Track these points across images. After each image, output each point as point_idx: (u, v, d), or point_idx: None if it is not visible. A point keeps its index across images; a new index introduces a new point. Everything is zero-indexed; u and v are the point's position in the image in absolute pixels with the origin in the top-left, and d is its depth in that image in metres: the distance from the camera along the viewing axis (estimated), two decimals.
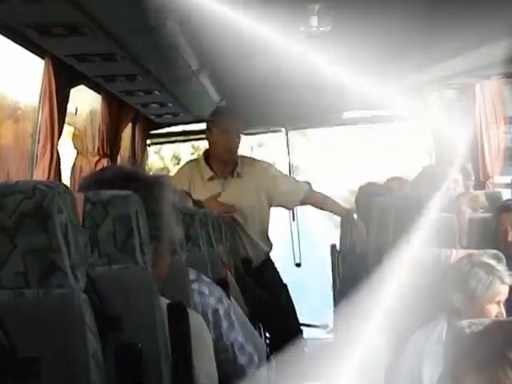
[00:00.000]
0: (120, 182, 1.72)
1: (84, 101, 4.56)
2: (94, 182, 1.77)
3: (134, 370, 1.46)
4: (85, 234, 1.57)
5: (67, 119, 3.94)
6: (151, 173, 1.89)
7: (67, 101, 3.88)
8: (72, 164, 4.50)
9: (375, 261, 2.97)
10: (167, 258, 1.79)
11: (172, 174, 5.75)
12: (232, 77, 5.30)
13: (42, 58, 3.60)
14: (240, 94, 5.60)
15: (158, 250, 1.72)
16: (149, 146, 6.08)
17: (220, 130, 4.42)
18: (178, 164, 20.09)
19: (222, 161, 4.54)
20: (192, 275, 2.24)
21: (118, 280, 1.58)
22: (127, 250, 1.59)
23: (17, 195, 1.23)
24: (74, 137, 4.59)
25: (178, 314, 1.66)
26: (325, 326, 6.11)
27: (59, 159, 3.70)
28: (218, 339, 2.22)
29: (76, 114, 4.49)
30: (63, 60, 3.64)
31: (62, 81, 3.71)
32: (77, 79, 4.03)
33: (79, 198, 1.58)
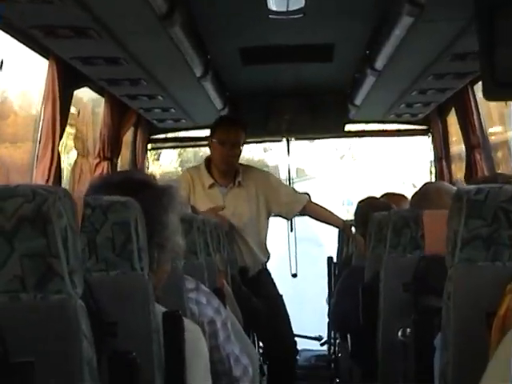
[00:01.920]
0: (130, 187, 1.72)
1: (87, 103, 4.56)
2: (101, 186, 1.77)
3: (128, 378, 1.45)
4: (83, 238, 1.57)
5: (69, 120, 3.94)
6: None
7: (70, 102, 3.88)
8: (72, 165, 4.49)
9: (370, 274, 2.97)
10: (168, 267, 1.79)
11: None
12: (235, 85, 5.30)
13: (47, 58, 3.60)
14: (242, 102, 5.60)
15: (160, 259, 1.72)
16: (150, 150, 6.07)
17: (218, 141, 4.41)
18: (158, 160, 20.25)
19: (222, 170, 4.54)
20: (191, 284, 2.22)
21: (114, 286, 1.58)
22: (125, 256, 1.58)
23: (17, 199, 1.22)
24: (76, 138, 4.58)
25: (174, 323, 1.66)
26: (319, 338, 6.10)
27: (59, 160, 3.70)
28: (215, 350, 2.21)
29: (78, 115, 4.48)
30: (67, 62, 3.64)
31: (65, 82, 3.71)
32: (80, 81, 4.03)
33: (79, 202, 1.57)
